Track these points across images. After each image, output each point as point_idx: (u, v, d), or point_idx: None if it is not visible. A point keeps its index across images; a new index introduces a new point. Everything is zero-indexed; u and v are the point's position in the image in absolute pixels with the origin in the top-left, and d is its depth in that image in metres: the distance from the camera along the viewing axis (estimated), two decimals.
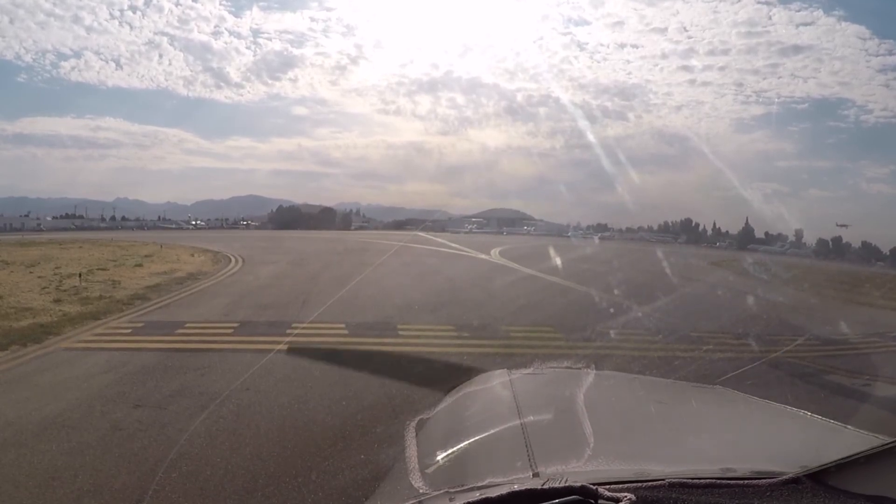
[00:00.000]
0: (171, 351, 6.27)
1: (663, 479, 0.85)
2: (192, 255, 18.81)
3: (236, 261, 17.02)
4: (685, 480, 0.85)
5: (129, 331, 7.41)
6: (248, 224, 79.48)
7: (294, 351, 6.41)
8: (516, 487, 0.79)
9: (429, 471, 1.07)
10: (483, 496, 0.79)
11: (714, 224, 79.21)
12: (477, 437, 1.22)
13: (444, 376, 5.38)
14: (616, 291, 12.48)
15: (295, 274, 14.65)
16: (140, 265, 15.16)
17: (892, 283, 23.17)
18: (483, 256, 22.22)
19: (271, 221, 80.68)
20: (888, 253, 53.80)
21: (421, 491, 0.97)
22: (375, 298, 10.48)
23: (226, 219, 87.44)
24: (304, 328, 7.62)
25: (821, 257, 50.46)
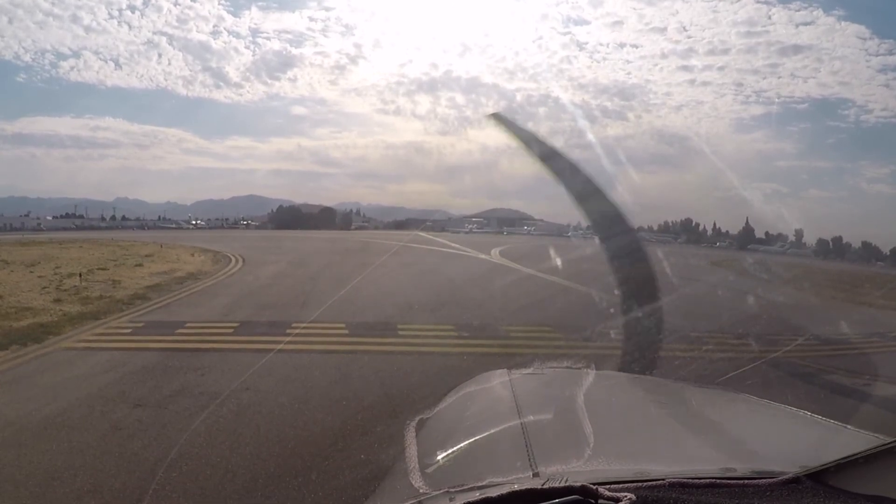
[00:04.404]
0: (171, 351, 6.27)
1: (663, 479, 0.85)
2: (193, 255, 18.81)
3: (236, 261, 17.02)
4: (685, 480, 0.85)
5: (130, 330, 7.41)
6: (248, 224, 79.56)
7: (294, 351, 6.42)
8: (516, 487, 0.79)
9: (429, 470, 1.07)
10: (483, 496, 0.79)
11: (714, 224, 79.25)
12: (477, 437, 1.22)
13: (444, 376, 5.38)
14: (616, 291, 12.45)
15: (295, 274, 14.65)
16: (140, 265, 15.17)
17: (892, 283, 23.18)
18: (483, 256, 22.21)
19: (271, 221, 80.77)
20: (888, 253, 53.79)
21: (421, 491, 0.97)
22: (375, 298, 10.48)
23: (226, 219, 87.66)
24: (304, 328, 7.62)
25: (821, 257, 50.48)
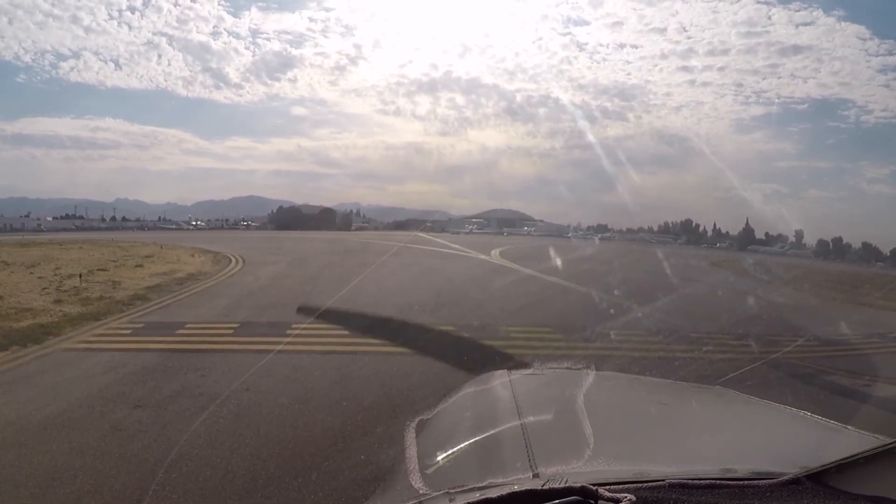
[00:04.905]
0: (171, 351, 6.27)
1: (663, 480, 0.85)
2: (193, 256, 18.81)
3: (236, 261, 17.02)
4: (685, 481, 0.85)
5: (130, 331, 7.41)
6: (248, 225, 79.56)
7: (294, 352, 6.42)
8: (516, 488, 0.79)
9: (429, 471, 1.07)
10: (483, 496, 0.79)
11: (714, 225, 79.44)
12: (477, 438, 1.22)
13: (444, 377, 5.38)
14: (616, 292, 12.48)
15: (295, 274, 14.65)
16: (140, 266, 15.16)
17: (892, 283, 23.18)
18: (483, 257, 22.22)
19: (271, 222, 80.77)
20: (888, 254, 53.81)
21: (421, 491, 0.97)
22: (375, 299, 10.48)
23: (226, 219, 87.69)
24: (304, 329, 7.62)
25: (821, 258, 50.54)
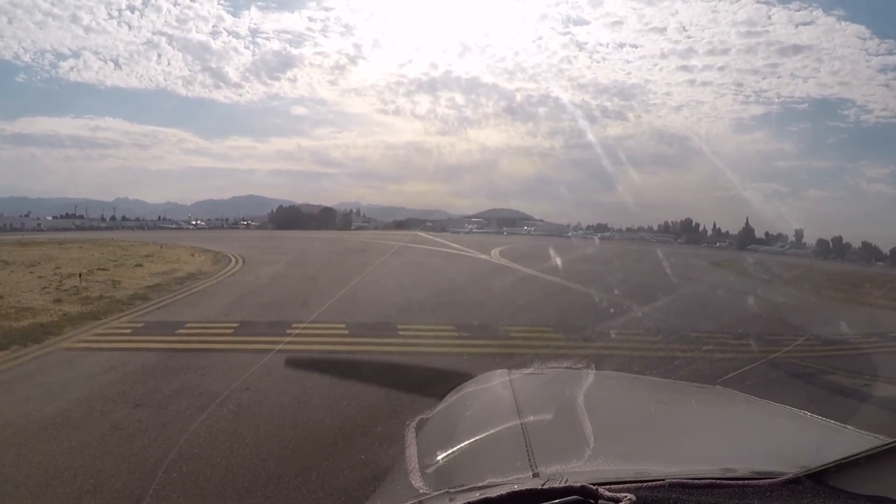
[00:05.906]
0: (171, 351, 6.27)
1: (663, 479, 0.85)
2: (193, 255, 18.81)
3: (236, 261, 17.02)
4: (685, 480, 0.85)
5: (130, 331, 7.41)
6: (248, 224, 79.64)
7: (294, 351, 6.42)
8: (516, 487, 0.79)
9: (429, 471, 1.07)
10: (483, 496, 0.78)
11: (714, 224, 79.51)
12: (477, 437, 1.22)
13: (445, 376, 5.37)
14: (616, 291, 12.48)
15: (295, 274, 14.65)
16: (140, 265, 15.16)
17: (892, 283, 23.20)
18: (483, 257, 22.23)
19: (271, 221, 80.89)
20: (888, 253, 53.82)
21: (421, 491, 0.97)
22: (375, 298, 10.48)
23: (226, 219, 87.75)
24: (304, 328, 7.62)
25: (821, 257, 50.58)
